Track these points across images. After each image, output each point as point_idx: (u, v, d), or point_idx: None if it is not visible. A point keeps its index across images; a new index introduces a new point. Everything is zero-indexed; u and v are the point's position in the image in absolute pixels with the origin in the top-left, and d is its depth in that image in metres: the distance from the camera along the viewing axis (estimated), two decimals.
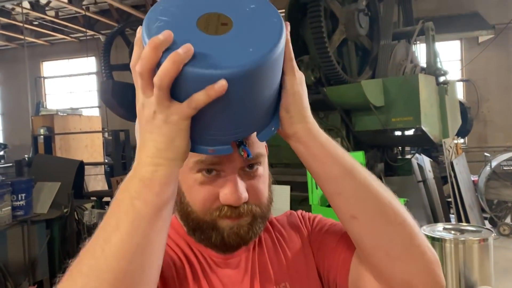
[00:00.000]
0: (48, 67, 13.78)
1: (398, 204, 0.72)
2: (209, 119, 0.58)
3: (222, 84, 0.53)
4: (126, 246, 0.56)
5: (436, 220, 5.22)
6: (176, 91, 0.55)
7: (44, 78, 13.81)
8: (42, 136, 7.53)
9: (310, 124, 0.68)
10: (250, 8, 0.61)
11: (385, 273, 0.72)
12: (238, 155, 0.69)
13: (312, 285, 0.85)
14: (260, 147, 0.76)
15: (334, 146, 0.71)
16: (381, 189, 0.71)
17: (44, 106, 12.64)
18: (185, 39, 0.54)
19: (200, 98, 0.54)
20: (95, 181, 8.31)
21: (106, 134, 9.44)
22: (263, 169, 0.78)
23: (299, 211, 0.97)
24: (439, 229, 3.92)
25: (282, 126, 0.67)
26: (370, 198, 0.69)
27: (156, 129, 0.57)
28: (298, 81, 0.65)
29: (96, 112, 12.65)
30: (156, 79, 0.54)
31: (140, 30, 0.57)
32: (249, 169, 0.75)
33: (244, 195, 0.73)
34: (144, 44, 0.56)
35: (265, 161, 0.79)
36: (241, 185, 0.73)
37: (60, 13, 11.34)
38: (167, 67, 0.53)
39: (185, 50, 0.52)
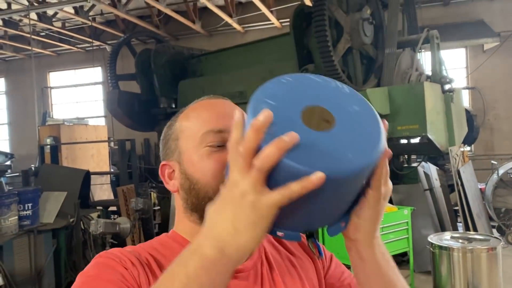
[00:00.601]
0: (55, 77, 13.89)
1: None
2: (288, 208, 0.55)
3: (318, 182, 0.51)
4: None
5: (443, 229, 5.19)
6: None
7: (51, 88, 13.92)
8: (48, 146, 7.56)
9: (375, 239, 0.67)
10: (354, 110, 0.60)
11: None
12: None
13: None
14: None
15: (386, 263, 0.70)
16: None
17: (51, 116, 12.72)
18: (288, 127, 0.54)
19: (295, 189, 0.52)
20: (101, 191, 8.32)
21: (112, 144, 9.47)
22: None
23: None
24: (446, 238, 3.89)
25: (347, 227, 0.65)
26: None
27: (242, 210, 0.54)
28: (382, 196, 0.63)
29: (102, 122, 12.72)
30: (258, 161, 0.52)
31: (239, 114, 0.57)
32: None
33: None
34: (250, 118, 0.55)
35: None
36: None
37: (67, 24, 11.47)
38: (271, 151, 0.51)
39: (290, 139, 0.52)
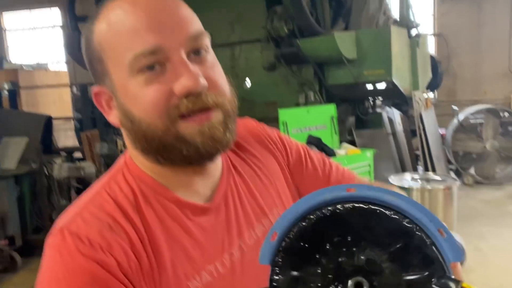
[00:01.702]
0: (10, 19, 13.09)
1: None
2: None
3: None
4: None
5: (404, 171, 5.38)
6: None
7: (5, 30, 13.14)
8: (6, 91, 7.25)
9: None
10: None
11: None
12: (179, 32, 0.60)
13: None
14: (197, 23, 0.64)
15: None
16: None
17: (7, 60, 12.10)
18: None
19: None
20: (66, 138, 8.15)
21: (74, 90, 9.18)
22: (213, 58, 0.66)
23: (256, 124, 0.87)
24: (406, 179, 4.06)
25: None
26: None
27: None
28: None
29: (63, 67, 12.22)
30: None
31: None
32: (195, 55, 0.63)
33: (203, 80, 0.60)
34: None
35: (212, 52, 0.66)
36: (193, 65, 0.61)
37: None
38: None
39: None
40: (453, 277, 0.46)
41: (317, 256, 0.47)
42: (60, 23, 12.15)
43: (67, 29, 7.84)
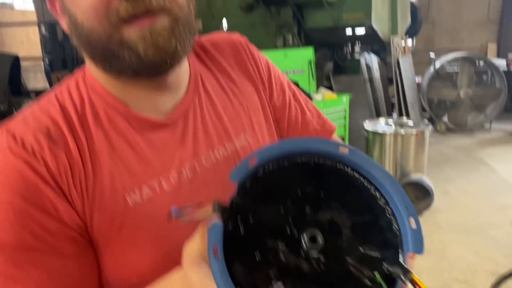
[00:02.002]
0: None
1: None
2: None
3: None
4: None
5: (379, 117, 5.44)
6: None
7: None
8: None
9: None
10: None
11: None
12: None
13: (273, 138, 0.79)
14: None
15: None
16: None
17: None
18: None
19: None
20: (35, 80, 7.87)
21: (43, 29, 8.76)
22: None
23: (244, 42, 0.81)
24: (381, 124, 4.10)
25: None
26: None
27: None
28: None
29: (30, 6, 11.59)
30: None
31: None
32: None
33: None
34: None
35: None
36: None
37: None
38: None
39: None
40: (405, 266, 0.46)
41: (285, 198, 0.47)
42: None
43: None
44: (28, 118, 0.60)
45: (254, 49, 0.82)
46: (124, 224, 0.60)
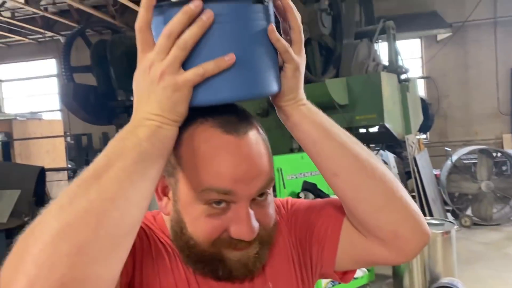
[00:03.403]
0: (6, 70, 13.27)
1: (376, 160, 0.76)
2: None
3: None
4: (128, 175, 0.57)
5: None
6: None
7: (1, 81, 13.29)
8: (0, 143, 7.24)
9: (302, 105, 0.73)
10: None
11: (371, 224, 0.74)
12: (254, 184, 0.68)
13: (293, 282, 0.83)
14: (271, 170, 0.73)
15: (314, 113, 0.74)
16: (358, 148, 0.75)
17: (2, 111, 12.16)
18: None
19: (209, 67, 0.59)
20: (58, 188, 8.06)
21: (68, 139, 9.18)
22: (271, 199, 0.75)
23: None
24: None
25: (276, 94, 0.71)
26: (347, 156, 0.73)
27: (162, 92, 0.60)
28: (296, 67, 0.70)
29: (57, 116, 12.28)
30: (181, 41, 0.59)
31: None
32: (260, 197, 0.71)
33: (256, 227, 0.70)
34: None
35: (271, 190, 0.76)
36: (253, 218, 0.69)
37: (16, 14, 10.92)
38: (194, 30, 0.59)
39: (208, 18, 0.59)
40: None
41: None
42: (56, 72, 12.34)
43: (62, 79, 7.93)
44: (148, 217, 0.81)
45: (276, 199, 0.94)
46: None
